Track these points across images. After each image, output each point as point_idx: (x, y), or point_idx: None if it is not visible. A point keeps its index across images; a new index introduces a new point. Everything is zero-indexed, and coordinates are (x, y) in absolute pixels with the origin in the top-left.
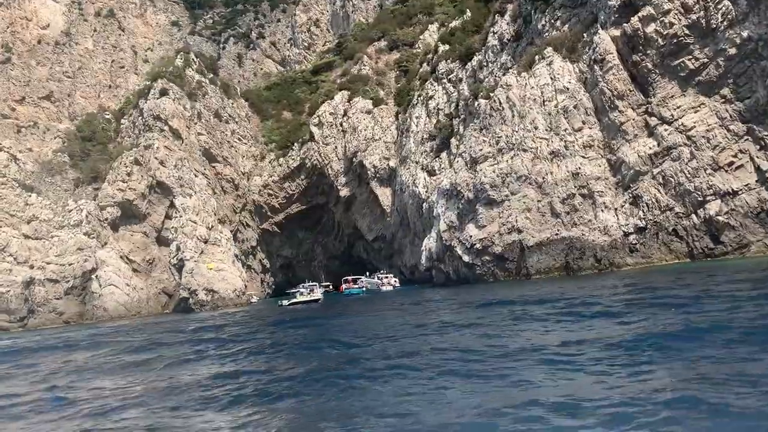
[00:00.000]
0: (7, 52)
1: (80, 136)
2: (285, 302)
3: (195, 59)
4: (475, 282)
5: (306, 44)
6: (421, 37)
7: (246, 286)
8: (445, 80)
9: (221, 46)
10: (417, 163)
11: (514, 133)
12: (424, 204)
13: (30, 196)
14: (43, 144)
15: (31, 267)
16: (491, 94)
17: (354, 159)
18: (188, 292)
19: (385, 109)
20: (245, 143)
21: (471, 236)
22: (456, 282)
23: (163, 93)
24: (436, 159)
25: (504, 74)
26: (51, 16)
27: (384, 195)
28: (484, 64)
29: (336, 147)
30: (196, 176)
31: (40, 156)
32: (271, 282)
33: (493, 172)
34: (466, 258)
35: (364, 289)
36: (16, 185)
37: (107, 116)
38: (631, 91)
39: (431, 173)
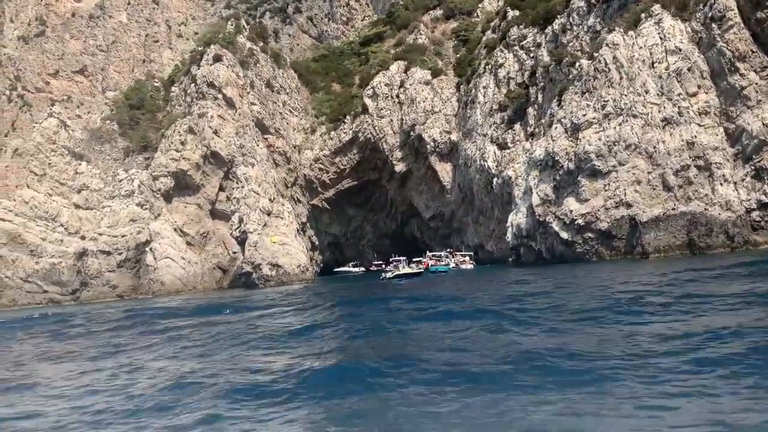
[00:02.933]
0: (41, 24)
1: (128, 104)
2: (389, 275)
3: (246, 26)
4: (574, 261)
5: (344, 19)
6: (480, 5)
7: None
8: (516, 47)
9: (257, 21)
10: (485, 135)
11: (622, 97)
12: (495, 179)
13: (80, 164)
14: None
15: (83, 238)
16: (595, 54)
17: (411, 132)
18: (252, 266)
19: (444, 80)
20: (296, 115)
21: (571, 211)
22: (548, 261)
23: (217, 59)
24: (509, 131)
25: (592, 38)
26: None
27: (444, 170)
28: (568, 27)
29: (391, 120)
30: (257, 145)
31: (89, 123)
32: (319, 260)
33: (599, 139)
34: (564, 235)
35: (450, 266)
36: (66, 153)
37: (156, 84)
38: (753, 52)
39: (502, 146)
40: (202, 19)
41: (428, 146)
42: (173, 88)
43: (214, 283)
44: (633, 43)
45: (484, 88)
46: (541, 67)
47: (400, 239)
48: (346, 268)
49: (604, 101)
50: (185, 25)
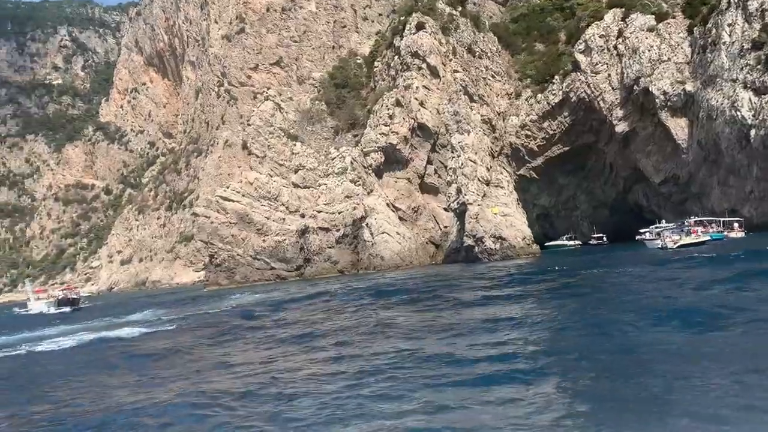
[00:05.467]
0: (241, 22)
1: (334, 84)
2: (672, 245)
3: None
4: None
5: None
6: None
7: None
8: None
9: None
10: (735, 81)
11: None
12: (753, 131)
13: (295, 145)
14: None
15: (302, 216)
16: None
17: (635, 86)
18: (473, 239)
19: (672, 24)
20: (499, 80)
21: None
22: None
23: (420, 27)
24: None
25: None
26: None
27: (678, 127)
28: None
29: (609, 75)
30: (470, 111)
31: (300, 105)
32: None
33: None
34: None
35: (724, 233)
36: (282, 134)
37: (358, 61)
38: None
39: (760, 91)
40: (385, 0)
41: (657, 100)
42: (375, 63)
43: (428, 258)
44: None
45: (729, 26)
46: None
47: (620, 208)
48: (559, 242)
49: None
50: (369, 8)
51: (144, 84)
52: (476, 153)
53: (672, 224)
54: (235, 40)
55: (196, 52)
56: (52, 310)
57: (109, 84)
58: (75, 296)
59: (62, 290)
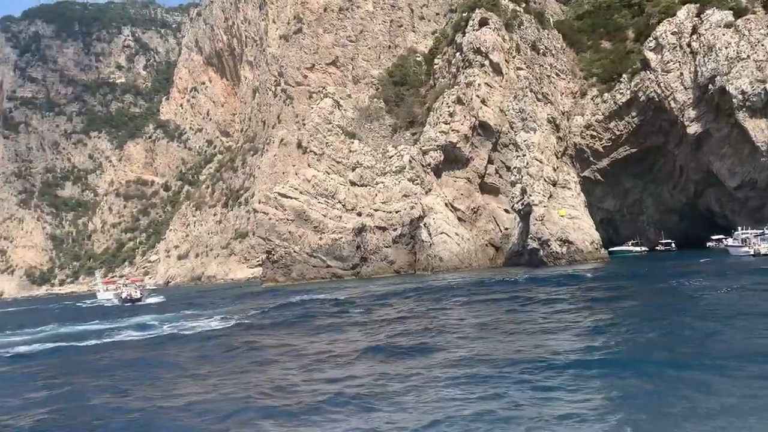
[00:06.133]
0: (299, 22)
1: (392, 81)
2: (751, 253)
3: None
4: None
5: None
6: None
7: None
8: None
9: None
10: None
11: None
12: None
13: (353, 142)
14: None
15: (359, 214)
16: None
17: (710, 86)
18: (538, 242)
19: (752, 20)
20: (563, 78)
21: None
22: None
23: (483, 23)
24: None
25: None
26: None
27: (757, 128)
28: None
29: (681, 74)
30: (537, 108)
31: (358, 102)
32: None
33: None
34: None
35: None
36: (340, 132)
37: (417, 59)
38: None
39: None
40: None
41: (734, 100)
42: (436, 61)
43: (487, 260)
44: None
45: None
46: None
47: (690, 214)
48: (624, 248)
49: None
50: (426, 7)
51: (203, 83)
52: (542, 152)
53: (757, 231)
54: (292, 40)
55: (254, 52)
56: (117, 302)
57: (169, 83)
58: (138, 295)
59: (125, 284)
